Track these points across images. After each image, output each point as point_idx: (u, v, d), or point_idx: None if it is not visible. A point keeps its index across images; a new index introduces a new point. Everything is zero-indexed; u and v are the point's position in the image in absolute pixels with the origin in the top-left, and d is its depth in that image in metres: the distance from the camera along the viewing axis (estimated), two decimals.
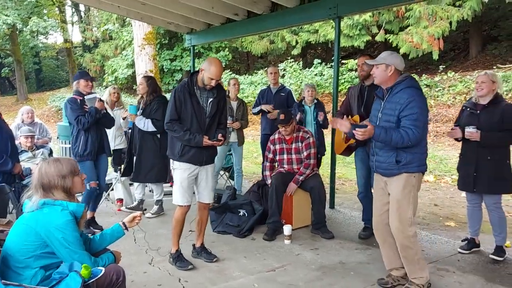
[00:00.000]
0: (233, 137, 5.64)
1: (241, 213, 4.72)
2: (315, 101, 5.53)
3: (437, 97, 11.71)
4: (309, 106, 5.49)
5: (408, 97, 2.91)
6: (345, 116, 4.47)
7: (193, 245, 3.96)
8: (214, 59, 3.62)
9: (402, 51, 12.88)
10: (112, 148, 5.36)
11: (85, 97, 4.49)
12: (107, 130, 5.04)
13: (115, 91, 5.83)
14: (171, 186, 6.05)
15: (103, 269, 2.29)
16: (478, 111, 3.69)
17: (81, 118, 4.44)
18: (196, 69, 4.27)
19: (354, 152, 4.46)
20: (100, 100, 4.56)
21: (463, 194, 4.90)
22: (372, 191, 4.25)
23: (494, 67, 12.41)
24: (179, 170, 3.65)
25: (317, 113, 5.47)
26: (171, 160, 3.74)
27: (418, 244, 3.12)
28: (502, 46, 14.81)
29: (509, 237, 4.05)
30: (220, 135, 3.60)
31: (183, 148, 3.59)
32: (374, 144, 3.14)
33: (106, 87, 20.38)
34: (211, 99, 3.62)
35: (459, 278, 3.42)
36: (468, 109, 3.79)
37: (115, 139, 5.68)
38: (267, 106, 5.75)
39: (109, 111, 5.17)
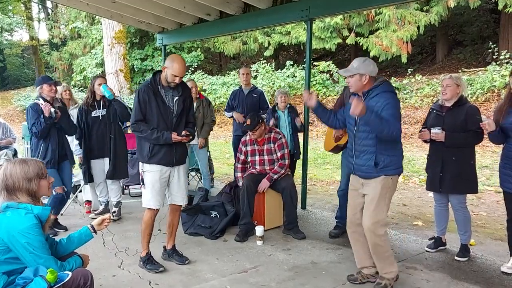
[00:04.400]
0: (195, 140, 5.48)
1: (213, 215, 4.69)
2: (288, 105, 5.55)
3: (406, 99, 12.00)
4: (283, 112, 5.50)
5: (385, 100, 2.99)
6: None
7: (164, 247, 3.90)
8: (176, 56, 3.56)
9: (372, 54, 13.14)
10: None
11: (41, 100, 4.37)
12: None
13: (66, 89, 5.66)
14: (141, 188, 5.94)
15: (70, 273, 2.23)
16: (444, 113, 3.80)
17: (33, 128, 4.35)
18: None
19: (342, 151, 4.50)
20: (51, 104, 4.38)
21: (431, 194, 5.03)
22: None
23: (459, 70, 12.83)
24: (150, 172, 3.56)
25: (293, 117, 5.47)
26: (140, 163, 3.63)
27: (388, 242, 3.22)
28: (466, 50, 15.34)
29: (473, 236, 4.18)
30: (184, 131, 3.55)
31: (152, 149, 3.51)
32: (354, 147, 3.18)
33: (75, 86, 19.95)
34: (176, 98, 3.55)
35: (426, 276, 3.51)
36: (435, 111, 3.90)
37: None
38: (239, 117, 5.76)
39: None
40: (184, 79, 4.07)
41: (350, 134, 3.24)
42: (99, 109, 4.89)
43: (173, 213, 3.80)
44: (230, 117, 6.04)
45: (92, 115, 4.88)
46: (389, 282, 3.19)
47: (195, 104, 5.51)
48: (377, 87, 3.06)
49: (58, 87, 5.47)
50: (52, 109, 4.34)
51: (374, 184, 3.10)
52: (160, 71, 3.57)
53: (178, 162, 3.66)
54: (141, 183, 3.64)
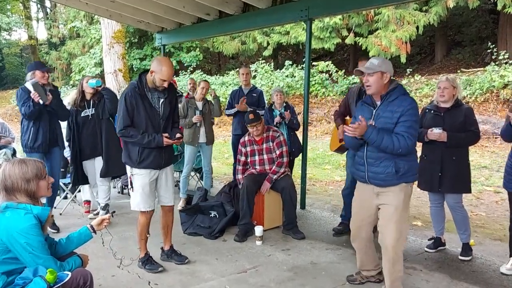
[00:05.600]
0: (202, 138, 5.55)
1: (212, 215, 4.69)
2: (284, 104, 5.49)
3: None
4: (279, 110, 5.43)
5: (408, 104, 2.82)
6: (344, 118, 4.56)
7: (162, 248, 3.90)
8: (164, 58, 3.49)
9: (371, 54, 13.13)
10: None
11: (28, 82, 4.28)
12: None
13: None
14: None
15: (70, 273, 2.22)
16: (442, 113, 3.81)
17: (22, 109, 4.29)
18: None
19: (347, 151, 4.56)
20: (42, 88, 4.29)
21: None
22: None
23: (458, 71, 12.83)
24: (140, 176, 3.53)
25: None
26: (128, 167, 3.58)
27: (402, 258, 3.03)
28: (465, 51, 15.34)
29: (472, 236, 4.18)
30: (178, 134, 3.54)
31: (141, 153, 3.46)
32: (366, 154, 2.96)
33: (73, 85, 19.89)
34: (162, 100, 3.51)
35: (426, 276, 3.51)
36: (432, 111, 3.89)
37: None
38: (242, 103, 5.72)
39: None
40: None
41: (359, 141, 2.98)
42: (88, 108, 4.86)
43: (166, 214, 3.79)
44: (231, 115, 6.00)
45: (82, 115, 4.85)
46: None
47: (201, 103, 5.54)
48: (394, 89, 2.89)
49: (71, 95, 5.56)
50: (41, 101, 4.24)
51: (396, 193, 2.88)
52: (146, 72, 3.49)
53: (166, 164, 3.65)
54: (130, 186, 3.61)
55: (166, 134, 3.47)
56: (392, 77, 2.96)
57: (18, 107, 4.43)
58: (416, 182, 3.19)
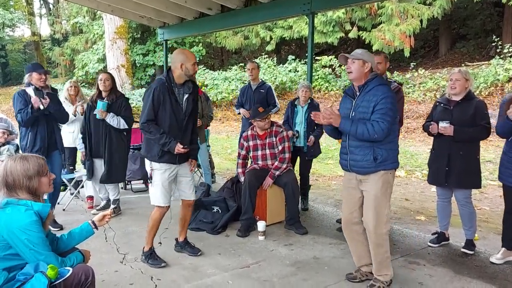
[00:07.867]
0: None
1: (214, 210, 4.69)
2: (309, 101, 5.12)
3: (408, 93, 11.93)
4: (302, 107, 5.11)
5: (382, 93, 2.94)
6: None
7: (176, 240, 3.95)
8: (178, 49, 3.68)
9: (375, 48, 13.08)
10: (73, 145, 5.43)
11: (30, 88, 4.28)
12: (74, 128, 5.04)
13: (72, 85, 5.68)
14: (145, 184, 5.96)
15: (71, 269, 2.21)
16: (452, 107, 3.75)
17: (18, 115, 4.25)
18: (169, 64, 4.20)
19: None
20: (39, 91, 4.26)
21: (433, 188, 5.00)
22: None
23: (463, 64, 12.75)
24: (159, 171, 3.57)
25: (309, 114, 5.08)
26: (147, 161, 3.64)
27: (388, 242, 3.14)
28: (470, 44, 15.24)
29: (476, 231, 4.15)
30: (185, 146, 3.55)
31: (162, 149, 3.51)
32: (348, 143, 3.11)
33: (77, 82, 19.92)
34: (186, 95, 3.55)
35: (429, 271, 3.49)
36: (442, 104, 3.84)
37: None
38: (245, 113, 5.73)
39: (66, 106, 5.08)
40: None
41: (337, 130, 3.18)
42: None
43: (186, 208, 3.85)
44: (239, 114, 6.01)
45: (95, 111, 4.81)
46: (382, 286, 3.12)
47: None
48: (372, 80, 3.03)
49: (66, 84, 5.55)
50: (42, 106, 4.23)
51: (374, 181, 3.03)
52: (171, 70, 3.55)
53: (186, 160, 3.69)
54: (150, 180, 3.63)
55: (181, 147, 3.45)
56: (373, 71, 3.11)
57: (14, 112, 4.36)
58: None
